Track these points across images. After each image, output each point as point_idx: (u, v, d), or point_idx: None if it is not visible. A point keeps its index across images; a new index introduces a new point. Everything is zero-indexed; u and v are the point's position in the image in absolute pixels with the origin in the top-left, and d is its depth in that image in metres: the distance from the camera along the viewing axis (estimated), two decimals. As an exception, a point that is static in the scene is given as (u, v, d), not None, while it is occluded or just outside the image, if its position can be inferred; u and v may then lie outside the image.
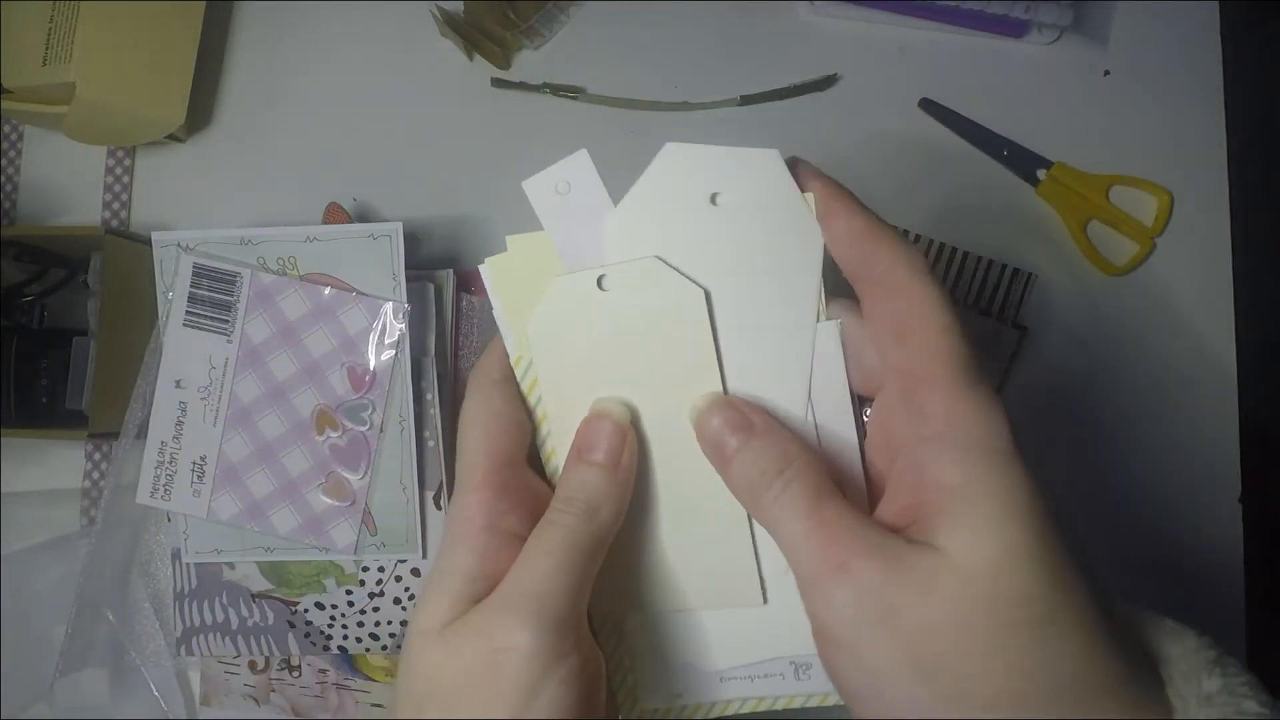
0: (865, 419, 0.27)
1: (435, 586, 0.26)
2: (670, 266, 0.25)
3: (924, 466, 0.23)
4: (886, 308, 0.25)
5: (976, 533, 0.21)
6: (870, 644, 0.22)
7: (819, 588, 0.23)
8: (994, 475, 0.22)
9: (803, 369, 0.26)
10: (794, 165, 0.26)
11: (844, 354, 0.26)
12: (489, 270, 0.27)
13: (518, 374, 0.27)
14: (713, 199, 0.26)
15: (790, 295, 0.26)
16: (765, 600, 0.27)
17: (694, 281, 0.25)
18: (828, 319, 0.26)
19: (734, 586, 0.27)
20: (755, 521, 0.27)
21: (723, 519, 0.27)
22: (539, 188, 0.27)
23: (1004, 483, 0.22)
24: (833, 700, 0.27)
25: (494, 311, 0.27)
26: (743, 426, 0.25)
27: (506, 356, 0.28)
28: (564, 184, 0.27)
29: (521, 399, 0.28)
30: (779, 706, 0.28)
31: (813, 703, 0.27)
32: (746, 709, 0.28)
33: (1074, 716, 0.20)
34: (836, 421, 0.26)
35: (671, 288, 0.25)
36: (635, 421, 0.26)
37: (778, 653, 0.27)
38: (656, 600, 0.27)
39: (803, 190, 0.26)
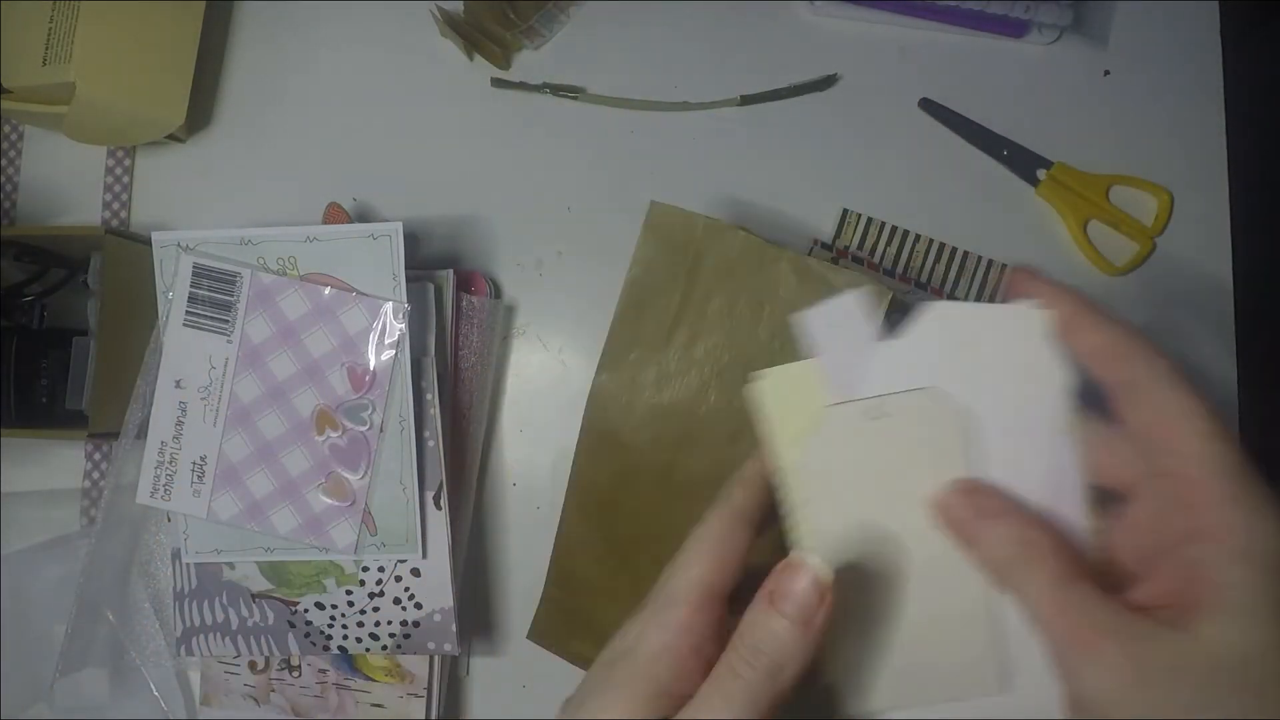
0: (1095, 514, 0.28)
1: (631, 683, 0.27)
2: (949, 395, 0.28)
3: (1193, 564, 0.25)
4: (1144, 416, 0.27)
5: (1235, 626, 0.23)
6: (1120, 709, 0.24)
7: (1068, 663, 0.25)
8: (1264, 579, 0.24)
9: (1041, 481, 0.29)
10: (1031, 279, 0.28)
11: (1081, 462, 0.28)
12: (763, 390, 0.29)
13: (780, 486, 0.30)
14: (969, 350, 0.28)
15: (1035, 423, 0.28)
16: (1000, 690, 0.29)
17: (965, 410, 0.28)
18: (1076, 418, 0.28)
19: (973, 678, 0.29)
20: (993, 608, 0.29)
21: (966, 621, 0.29)
22: (819, 318, 0.29)
23: (1271, 584, 0.24)
24: None
25: (764, 430, 0.29)
26: (986, 511, 0.28)
27: (755, 485, 0.30)
28: (842, 315, 0.29)
29: (750, 532, 0.30)
30: None
31: None
32: None
33: None
34: (1069, 521, 0.28)
35: (947, 415, 0.28)
36: (845, 573, 0.28)
37: None
38: (899, 699, 0.29)
39: (1044, 305, 0.28)
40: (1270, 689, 0.23)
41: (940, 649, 0.29)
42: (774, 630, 0.26)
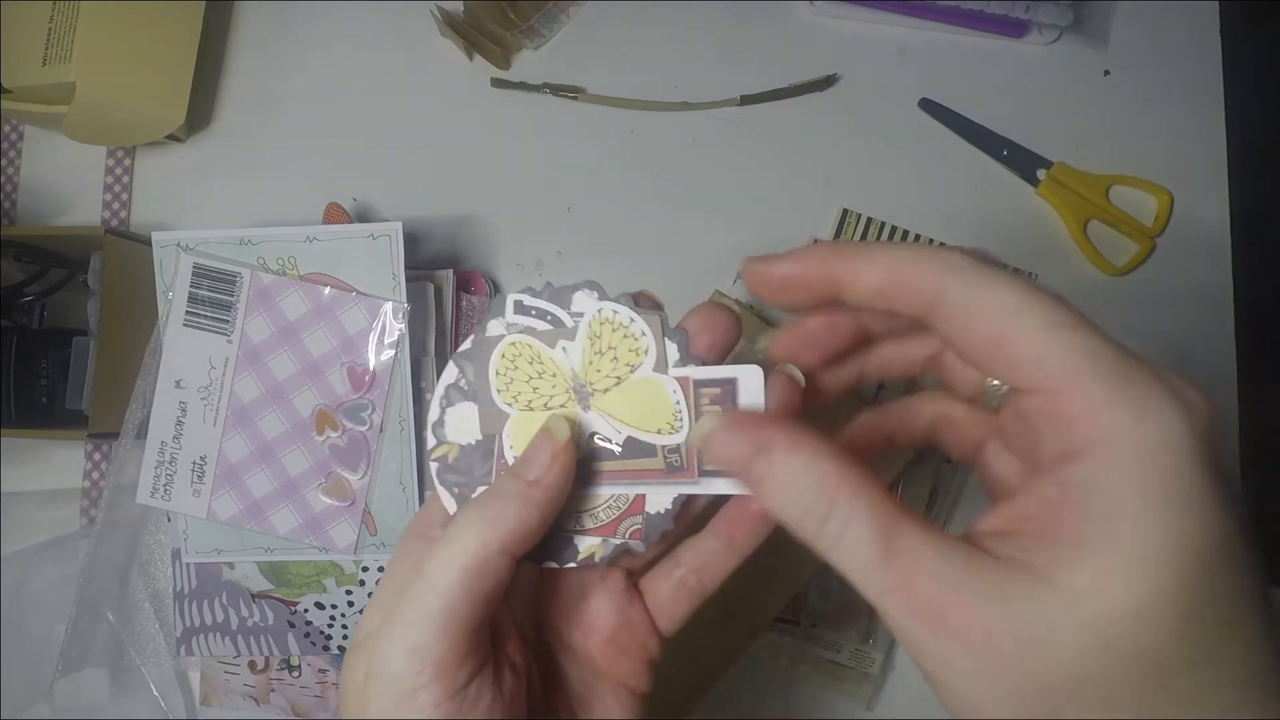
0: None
1: (373, 599, 0.27)
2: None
3: (1066, 488, 0.19)
4: (969, 335, 0.21)
5: (1108, 572, 0.18)
6: (978, 690, 0.19)
7: (913, 642, 0.20)
8: (1155, 501, 0.18)
9: None
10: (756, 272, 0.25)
11: None
12: None
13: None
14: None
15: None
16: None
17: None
18: None
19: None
20: None
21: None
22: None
23: (1166, 511, 0.18)
24: None
25: None
26: (766, 445, 0.22)
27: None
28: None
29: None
30: None
31: None
32: None
33: None
34: None
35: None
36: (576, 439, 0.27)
37: None
38: None
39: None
40: (1160, 658, 0.18)
41: None
42: (503, 489, 0.25)
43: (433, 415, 0.28)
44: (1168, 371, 0.19)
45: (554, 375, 0.27)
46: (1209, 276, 0.52)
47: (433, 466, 0.28)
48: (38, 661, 0.50)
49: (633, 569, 0.29)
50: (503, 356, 0.27)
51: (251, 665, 0.50)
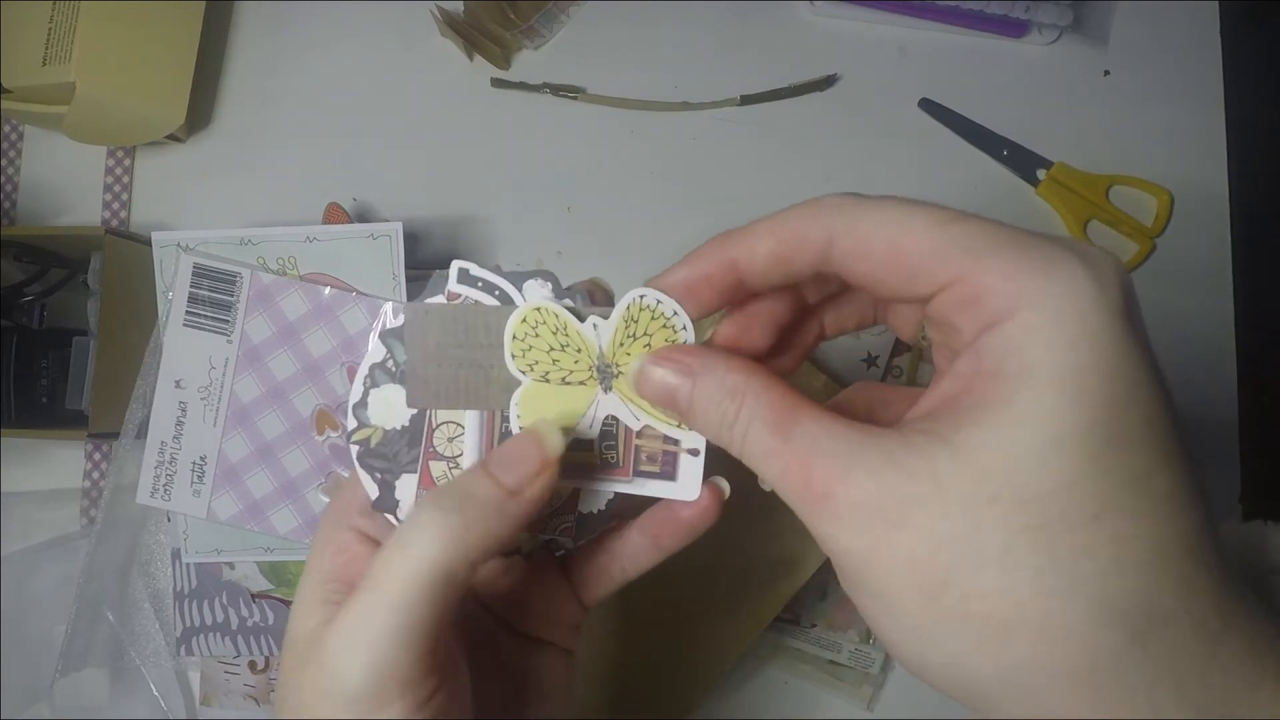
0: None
1: (302, 591, 0.26)
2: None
3: (982, 353, 0.19)
4: (865, 263, 0.21)
5: (1006, 421, 0.17)
6: (873, 567, 0.19)
7: (810, 522, 0.20)
8: (1060, 348, 0.17)
9: None
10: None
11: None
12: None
13: None
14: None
15: None
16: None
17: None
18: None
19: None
20: None
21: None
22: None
23: (1071, 355, 0.17)
24: None
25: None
26: (684, 372, 0.23)
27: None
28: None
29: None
30: None
31: None
32: None
33: (1145, 654, 0.17)
34: None
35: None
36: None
37: None
38: None
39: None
40: (1064, 502, 0.17)
41: None
42: (476, 493, 0.23)
43: (355, 395, 0.27)
44: (1069, 239, 0.19)
45: (579, 350, 0.26)
46: (1209, 276, 0.52)
47: (353, 449, 0.27)
48: (38, 661, 0.50)
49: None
50: (523, 320, 0.26)
51: (251, 665, 0.51)
